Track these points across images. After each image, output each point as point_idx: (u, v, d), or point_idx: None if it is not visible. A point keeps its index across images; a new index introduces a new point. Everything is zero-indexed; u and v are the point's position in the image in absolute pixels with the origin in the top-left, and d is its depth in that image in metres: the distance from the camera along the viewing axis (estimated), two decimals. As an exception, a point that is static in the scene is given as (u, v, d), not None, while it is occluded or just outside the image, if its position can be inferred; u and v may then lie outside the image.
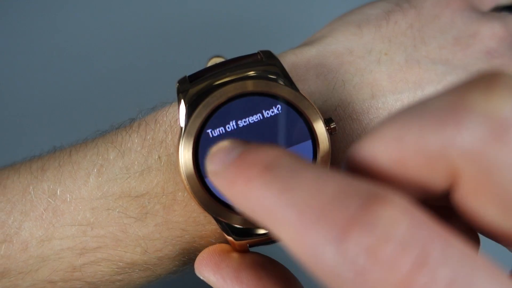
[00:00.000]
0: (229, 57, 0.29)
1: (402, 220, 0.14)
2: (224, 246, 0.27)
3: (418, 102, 0.17)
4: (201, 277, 0.26)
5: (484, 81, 0.15)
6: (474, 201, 0.16)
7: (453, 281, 0.13)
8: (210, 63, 0.32)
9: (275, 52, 0.29)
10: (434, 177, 0.16)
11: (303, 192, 0.15)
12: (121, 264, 0.28)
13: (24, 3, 0.59)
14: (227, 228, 0.26)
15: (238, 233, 0.27)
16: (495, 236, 0.17)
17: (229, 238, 0.26)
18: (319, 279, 0.15)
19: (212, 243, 0.29)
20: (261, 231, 0.27)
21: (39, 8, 0.58)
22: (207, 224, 0.28)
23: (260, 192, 0.16)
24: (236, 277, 0.24)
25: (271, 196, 0.16)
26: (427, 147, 0.16)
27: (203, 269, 0.25)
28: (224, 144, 0.18)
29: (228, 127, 0.27)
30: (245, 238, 0.27)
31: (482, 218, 0.16)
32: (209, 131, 0.27)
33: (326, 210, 0.15)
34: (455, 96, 0.16)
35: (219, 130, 0.27)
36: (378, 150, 0.17)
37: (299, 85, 0.28)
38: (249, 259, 0.25)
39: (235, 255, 0.26)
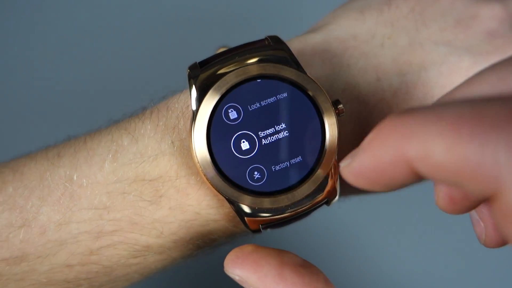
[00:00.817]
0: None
1: None
2: (255, 246, 0.26)
3: None
4: (236, 277, 0.24)
5: None
6: None
7: None
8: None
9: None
10: None
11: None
12: (137, 247, 0.28)
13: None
14: (240, 210, 0.27)
15: (248, 215, 0.27)
16: None
17: (245, 218, 0.27)
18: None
19: (225, 227, 0.29)
20: (267, 214, 0.27)
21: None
22: (220, 208, 0.28)
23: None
24: (279, 274, 0.24)
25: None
26: None
27: (240, 267, 0.24)
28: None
29: (239, 110, 0.27)
30: (256, 219, 0.27)
31: None
32: (220, 114, 0.27)
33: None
34: None
35: (230, 114, 0.27)
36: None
37: (305, 70, 0.29)
38: (288, 258, 0.24)
39: (273, 254, 0.25)
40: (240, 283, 0.24)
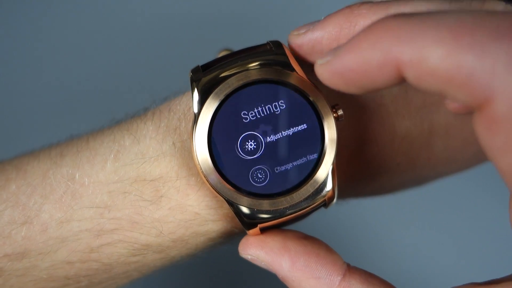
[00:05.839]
0: (238, 49, 0.30)
1: None
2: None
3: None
4: (248, 257, 0.27)
5: None
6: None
7: None
8: (220, 55, 0.33)
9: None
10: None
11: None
12: (136, 245, 0.29)
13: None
14: (239, 211, 0.27)
15: (247, 217, 0.28)
16: None
17: (241, 220, 0.27)
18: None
19: (224, 227, 0.30)
20: (266, 216, 0.28)
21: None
22: (219, 208, 0.29)
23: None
24: (283, 246, 0.26)
25: None
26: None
27: (250, 247, 0.27)
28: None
29: (242, 113, 0.28)
30: (255, 221, 0.28)
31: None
32: (221, 117, 0.28)
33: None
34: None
35: (232, 117, 0.28)
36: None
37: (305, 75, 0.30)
38: (291, 233, 0.27)
39: (277, 232, 0.27)
40: (253, 261, 0.27)
